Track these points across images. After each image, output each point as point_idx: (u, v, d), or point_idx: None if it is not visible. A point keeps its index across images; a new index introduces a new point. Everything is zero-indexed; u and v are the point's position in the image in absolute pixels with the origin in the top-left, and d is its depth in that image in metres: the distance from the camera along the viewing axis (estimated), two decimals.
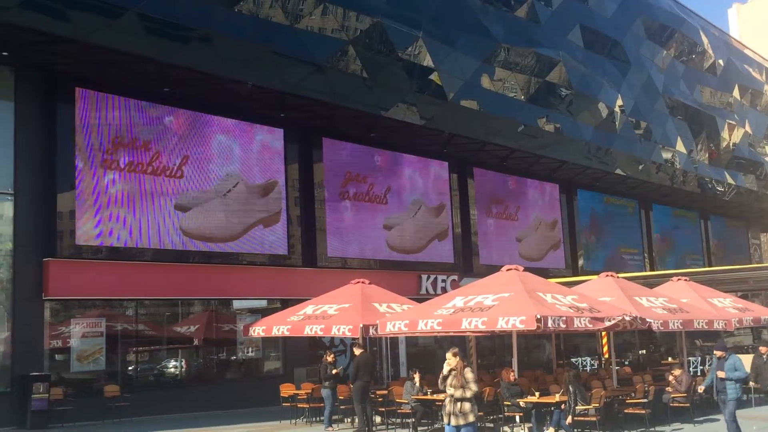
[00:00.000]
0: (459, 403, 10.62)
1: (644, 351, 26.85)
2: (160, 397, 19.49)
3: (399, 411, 16.47)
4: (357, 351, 16.38)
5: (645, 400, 15.34)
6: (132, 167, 19.31)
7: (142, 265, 19.34)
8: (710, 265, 40.92)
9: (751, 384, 15.97)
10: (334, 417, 16.76)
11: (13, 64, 17.67)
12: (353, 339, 16.77)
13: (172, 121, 20.40)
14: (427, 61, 24.89)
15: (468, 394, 10.61)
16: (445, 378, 10.80)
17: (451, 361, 10.83)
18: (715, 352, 13.68)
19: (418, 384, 16.20)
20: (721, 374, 13.23)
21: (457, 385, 10.67)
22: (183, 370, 21.00)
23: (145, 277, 19.32)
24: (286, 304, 20.51)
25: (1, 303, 17.34)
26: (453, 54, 25.83)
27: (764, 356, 14.66)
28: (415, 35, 24.39)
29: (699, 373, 20.95)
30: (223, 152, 21.43)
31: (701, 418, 16.10)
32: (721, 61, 44.21)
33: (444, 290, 25.22)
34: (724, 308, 18.15)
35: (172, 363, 20.88)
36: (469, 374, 10.73)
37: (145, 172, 19.56)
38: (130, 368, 19.68)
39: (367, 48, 23.12)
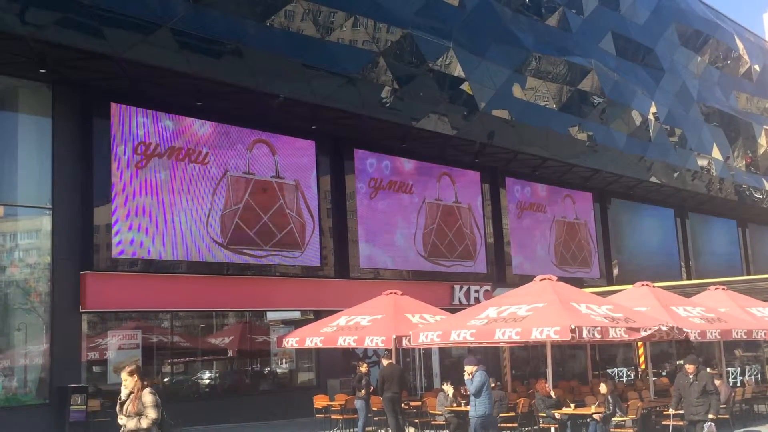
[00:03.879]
0: None
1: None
2: (194, 408, 19.57)
3: (432, 422, 16.42)
4: (385, 362, 16.37)
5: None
6: (166, 180, 19.56)
7: (177, 278, 19.54)
8: (749, 274, 40.18)
9: (671, 411, 13.84)
10: (368, 428, 16.74)
11: (50, 81, 18.01)
12: (386, 350, 16.75)
13: (205, 135, 20.62)
14: (458, 72, 24.89)
15: (144, 423, 8.32)
16: (123, 403, 8.57)
17: (127, 382, 8.51)
18: (465, 366, 12.43)
19: (451, 395, 16.12)
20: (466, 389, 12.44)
21: (132, 412, 8.39)
22: (217, 381, 21.14)
23: (180, 289, 19.51)
24: (319, 315, 20.58)
25: (39, 316, 17.63)
26: (484, 64, 25.79)
27: (690, 376, 12.22)
28: (446, 46, 24.40)
29: (738, 384, 20.57)
30: (256, 164, 21.60)
31: (741, 430, 15.81)
32: (757, 67, 43.54)
33: (477, 301, 25.08)
34: (763, 318, 17.83)
35: (207, 374, 21.03)
36: (147, 397, 8.42)
37: (179, 186, 19.80)
38: (165, 379, 19.86)
39: (397, 59, 23.19)
